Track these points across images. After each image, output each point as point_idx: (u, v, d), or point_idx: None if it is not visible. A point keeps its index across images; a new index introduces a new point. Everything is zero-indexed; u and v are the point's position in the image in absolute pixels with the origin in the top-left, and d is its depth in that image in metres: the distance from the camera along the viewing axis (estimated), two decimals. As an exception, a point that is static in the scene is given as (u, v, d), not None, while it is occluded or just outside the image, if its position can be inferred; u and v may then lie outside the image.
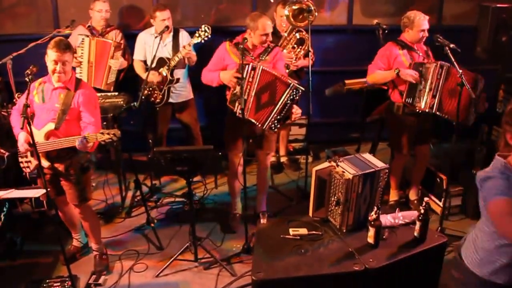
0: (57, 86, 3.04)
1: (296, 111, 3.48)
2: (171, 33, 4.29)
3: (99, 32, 4.38)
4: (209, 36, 3.96)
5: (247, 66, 3.37)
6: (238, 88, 3.41)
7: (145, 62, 4.41)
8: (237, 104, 3.45)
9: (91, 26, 4.38)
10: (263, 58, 3.58)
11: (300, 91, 3.40)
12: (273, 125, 3.47)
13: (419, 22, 3.63)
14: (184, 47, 4.09)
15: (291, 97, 3.39)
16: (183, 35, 4.34)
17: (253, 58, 3.54)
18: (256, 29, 3.47)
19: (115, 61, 4.30)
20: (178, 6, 5.10)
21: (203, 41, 3.98)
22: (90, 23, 4.40)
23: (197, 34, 3.97)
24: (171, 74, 4.22)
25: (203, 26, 3.95)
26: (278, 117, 3.44)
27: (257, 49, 3.59)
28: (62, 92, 3.04)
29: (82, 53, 4.27)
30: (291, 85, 3.36)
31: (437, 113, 3.64)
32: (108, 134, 2.88)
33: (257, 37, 3.49)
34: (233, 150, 3.72)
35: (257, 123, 3.51)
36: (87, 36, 4.29)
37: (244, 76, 3.36)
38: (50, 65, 2.95)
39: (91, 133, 2.91)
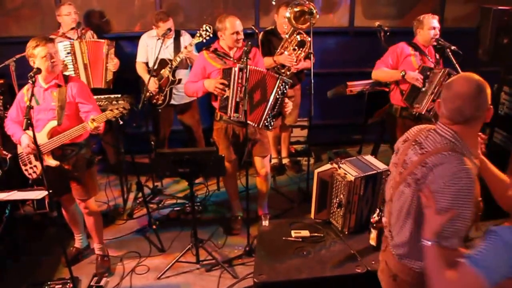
0: (48, 86, 3.06)
1: (288, 103, 3.49)
2: (173, 35, 4.32)
3: (75, 36, 4.39)
4: (211, 35, 3.97)
5: (233, 69, 3.36)
6: (228, 92, 3.41)
7: (147, 64, 4.44)
8: (229, 108, 3.44)
9: (63, 33, 4.37)
10: (244, 60, 3.57)
11: (289, 83, 3.41)
12: (267, 123, 3.46)
13: (428, 21, 3.71)
14: (185, 47, 4.11)
15: (281, 91, 3.39)
16: (185, 38, 4.37)
17: (234, 61, 3.51)
18: (225, 29, 3.48)
19: (111, 63, 4.33)
20: (181, 8, 5.12)
21: (204, 40, 4.00)
22: (61, 30, 4.39)
23: (198, 34, 4.00)
24: (173, 75, 4.25)
25: (204, 25, 3.97)
26: (271, 113, 3.44)
27: (237, 52, 3.59)
28: (54, 90, 3.06)
29: (72, 59, 4.27)
30: (279, 78, 3.37)
31: (433, 119, 3.65)
32: (117, 109, 2.93)
33: (228, 37, 3.50)
34: (226, 156, 3.71)
35: (253, 124, 3.50)
36: (70, 40, 4.31)
37: (233, 80, 3.36)
38: (43, 63, 2.93)
39: (96, 115, 2.96)
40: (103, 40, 4.32)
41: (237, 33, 3.50)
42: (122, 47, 4.82)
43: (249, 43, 3.42)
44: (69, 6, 4.35)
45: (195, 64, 3.64)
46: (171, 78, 4.25)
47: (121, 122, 3.08)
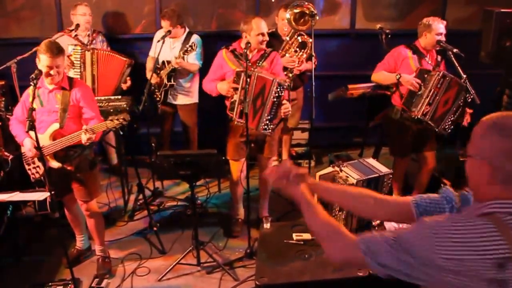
0: (52, 88, 3.07)
1: (285, 105, 3.48)
2: (183, 36, 4.37)
3: (86, 39, 4.40)
4: (195, 52, 4.10)
5: (242, 74, 3.38)
6: (236, 96, 3.43)
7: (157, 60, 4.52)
8: (235, 111, 3.46)
9: (75, 32, 4.36)
10: (260, 64, 3.58)
11: (285, 86, 3.40)
12: (266, 126, 3.47)
13: (437, 26, 3.69)
14: (176, 57, 4.17)
15: (277, 94, 3.39)
16: (192, 40, 4.38)
17: (250, 64, 3.51)
18: (251, 30, 3.48)
19: (125, 85, 4.43)
20: (182, 11, 5.10)
21: (188, 55, 4.11)
22: (74, 30, 4.38)
23: (185, 48, 4.08)
24: (168, 79, 4.33)
25: (192, 42, 4.10)
26: (269, 117, 3.44)
27: (254, 56, 3.60)
28: (58, 92, 3.07)
29: (81, 66, 4.28)
30: (273, 81, 3.37)
31: (429, 122, 3.65)
32: (117, 119, 2.95)
33: (253, 38, 3.49)
34: (234, 156, 3.72)
35: (253, 128, 3.52)
36: (80, 45, 4.31)
37: (240, 83, 3.38)
38: (43, 69, 2.95)
39: (96, 123, 2.98)
40: (125, 59, 4.34)
41: (263, 34, 3.50)
42: (124, 48, 4.84)
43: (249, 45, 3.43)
44: (85, 7, 4.37)
45: (214, 61, 3.68)
46: (165, 81, 4.32)
47: (121, 133, 3.09)
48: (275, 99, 3.40)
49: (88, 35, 4.43)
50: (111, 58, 4.32)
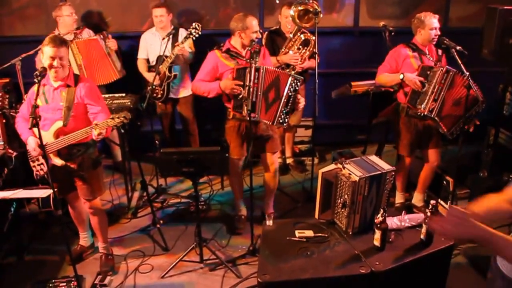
0: (57, 85, 3.07)
1: (301, 99, 3.55)
2: (172, 32, 4.38)
3: (71, 37, 4.40)
4: (200, 33, 4.05)
5: (248, 69, 3.38)
6: (243, 92, 3.42)
7: (147, 60, 4.57)
8: (244, 107, 3.45)
9: (59, 33, 4.34)
10: (256, 59, 3.58)
11: (300, 80, 3.47)
12: (281, 120, 3.53)
13: (430, 21, 3.67)
14: (177, 44, 4.20)
15: (293, 88, 3.46)
16: (182, 34, 4.43)
17: (246, 60, 3.52)
18: (246, 28, 3.49)
19: (111, 41, 4.42)
20: (185, 8, 5.12)
21: (194, 38, 4.09)
22: (58, 31, 4.39)
23: (188, 31, 4.07)
24: (169, 71, 4.36)
25: (194, 23, 4.04)
26: (285, 110, 3.50)
27: (247, 52, 3.61)
28: (63, 90, 3.07)
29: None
30: (291, 76, 3.44)
31: (436, 118, 3.64)
32: (118, 118, 2.95)
33: (248, 36, 3.51)
34: (236, 154, 3.73)
35: (268, 122, 3.56)
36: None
37: (248, 79, 3.38)
38: (46, 62, 2.94)
39: (101, 120, 2.97)
40: (95, 36, 4.34)
41: (257, 32, 3.54)
42: (126, 46, 4.85)
43: (255, 42, 3.44)
44: (69, 7, 4.38)
45: (206, 63, 3.61)
46: (167, 73, 4.37)
47: (122, 131, 3.08)
48: (291, 93, 3.46)
49: (75, 33, 4.41)
50: (93, 43, 4.32)
